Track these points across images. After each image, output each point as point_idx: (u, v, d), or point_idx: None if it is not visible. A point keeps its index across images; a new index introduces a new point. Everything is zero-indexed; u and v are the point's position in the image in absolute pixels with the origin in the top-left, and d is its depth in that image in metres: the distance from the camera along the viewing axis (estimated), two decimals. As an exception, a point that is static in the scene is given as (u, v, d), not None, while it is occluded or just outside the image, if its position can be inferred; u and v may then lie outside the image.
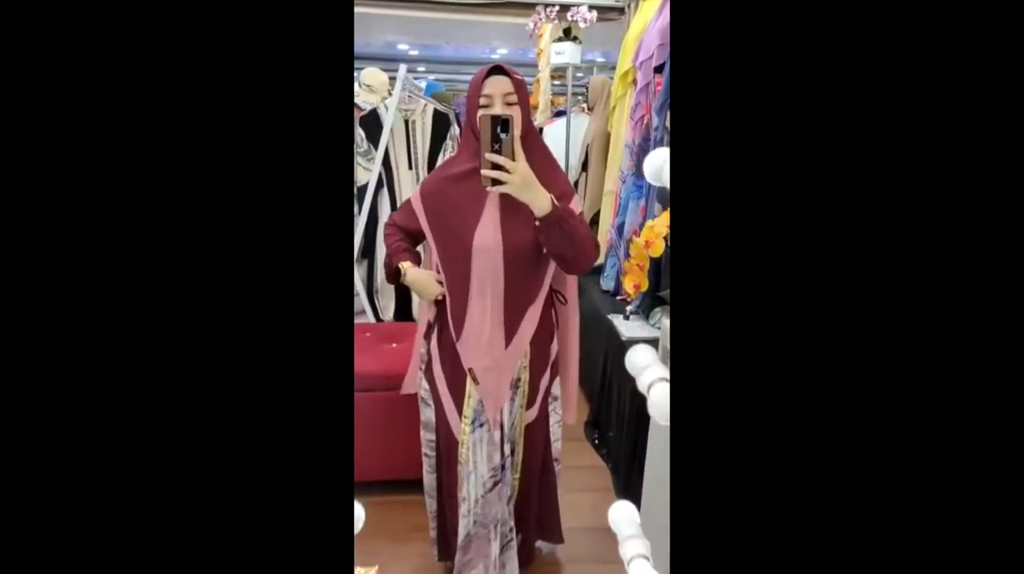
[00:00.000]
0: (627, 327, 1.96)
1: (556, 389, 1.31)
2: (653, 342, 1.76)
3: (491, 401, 1.17)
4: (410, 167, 2.26)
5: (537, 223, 1.00)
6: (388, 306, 2.41)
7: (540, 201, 0.98)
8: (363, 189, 2.25)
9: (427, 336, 1.25)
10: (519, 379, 1.21)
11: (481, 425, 1.19)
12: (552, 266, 1.15)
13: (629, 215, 2.25)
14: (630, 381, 1.75)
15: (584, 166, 2.89)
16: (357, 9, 3.31)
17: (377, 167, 2.17)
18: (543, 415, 1.28)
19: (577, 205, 1.12)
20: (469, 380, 1.18)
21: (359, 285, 2.27)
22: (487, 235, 1.09)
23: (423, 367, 1.26)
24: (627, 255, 1.91)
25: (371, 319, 2.33)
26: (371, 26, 5.32)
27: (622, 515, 0.53)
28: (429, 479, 1.32)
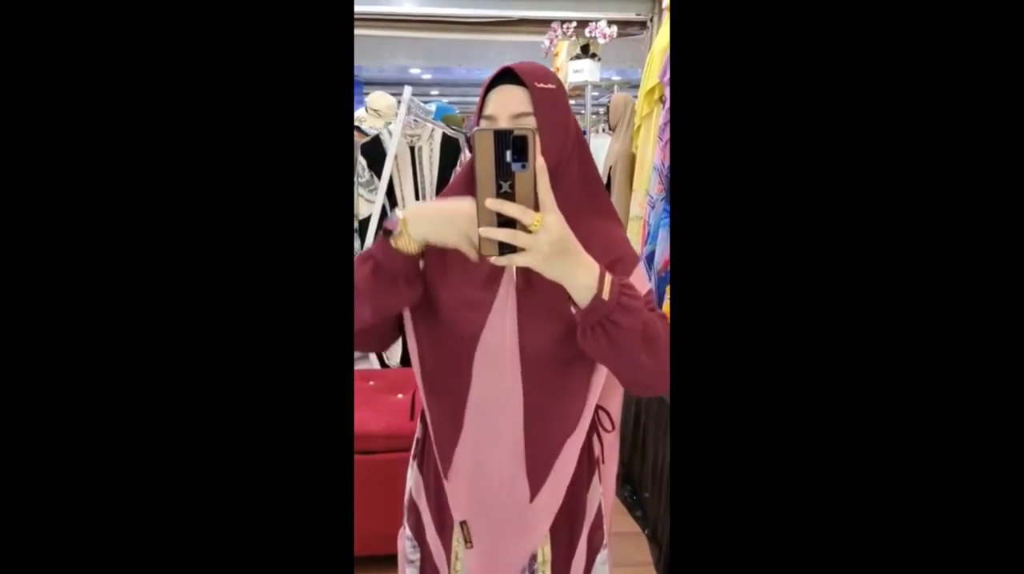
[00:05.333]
0: (663, 374, 1.72)
1: (601, 572, 0.80)
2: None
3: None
4: (417, 198, 2.07)
5: (576, 313, 0.59)
6: (394, 349, 2.20)
7: (581, 278, 0.56)
8: (365, 223, 2.06)
9: (416, 457, 0.81)
10: (535, 557, 0.74)
11: None
12: (602, 374, 0.71)
13: (660, 243, 2.06)
14: (666, 435, 1.39)
15: (607, 189, 2.71)
16: (369, 32, 3.21)
17: (380, 198, 1.98)
18: None
19: (643, 278, 0.69)
20: (456, 534, 0.75)
21: (362, 327, 2.07)
22: (496, 330, 0.67)
23: (408, 507, 0.82)
24: (660, 294, 1.68)
25: (375, 365, 2.13)
26: (383, 50, 5.28)
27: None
28: None
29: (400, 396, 1.76)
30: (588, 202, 0.68)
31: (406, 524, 0.82)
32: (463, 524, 0.73)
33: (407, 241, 0.62)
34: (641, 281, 0.68)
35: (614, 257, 0.65)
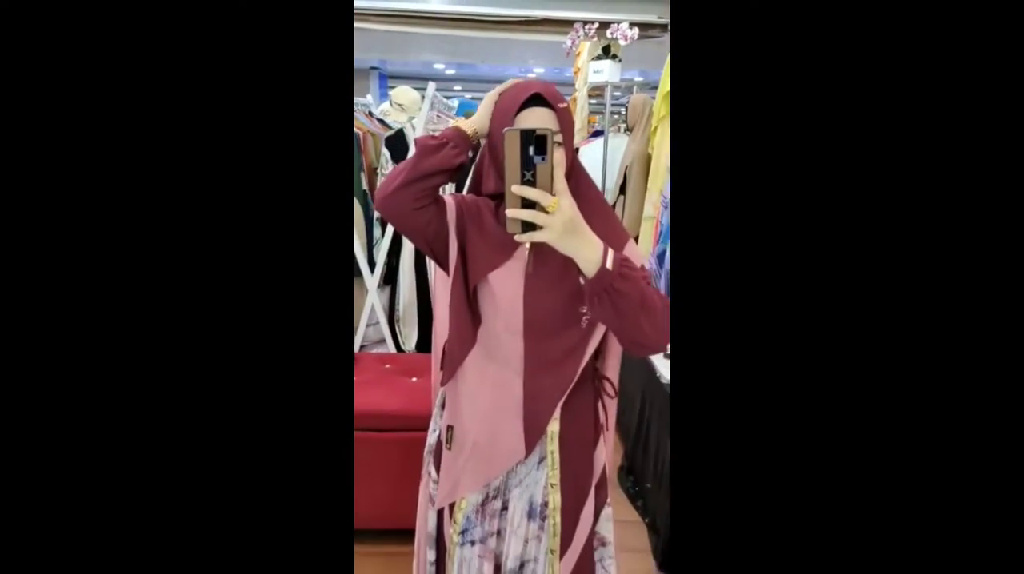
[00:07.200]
0: (668, 368, 1.78)
1: (606, 529, 0.89)
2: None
3: (448, 485, 0.85)
4: (437, 190, 2.14)
5: (585, 284, 0.69)
6: (410, 335, 2.28)
7: (589, 252, 0.67)
8: (387, 212, 2.14)
9: (443, 407, 0.92)
10: (545, 504, 0.83)
11: (472, 543, 0.86)
12: (594, 341, 0.83)
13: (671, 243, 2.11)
14: (668, 430, 1.47)
15: (622, 189, 2.75)
16: (395, 28, 3.28)
17: (402, 189, 2.06)
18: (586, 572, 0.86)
19: (635, 252, 0.81)
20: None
21: (380, 313, 2.16)
22: (505, 297, 0.79)
23: (433, 451, 0.93)
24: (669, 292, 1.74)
25: (391, 349, 2.21)
26: (408, 45, 5.36)
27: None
28: None
29: (415, 379, 1.84)
30: (588, 197, 0.80)
31: (432, 467, 0.92)
32: (450, 427, 0.85)
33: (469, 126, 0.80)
34: (634, 255, 0.79)
35: (610, 237, 0.76)
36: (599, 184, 2.76)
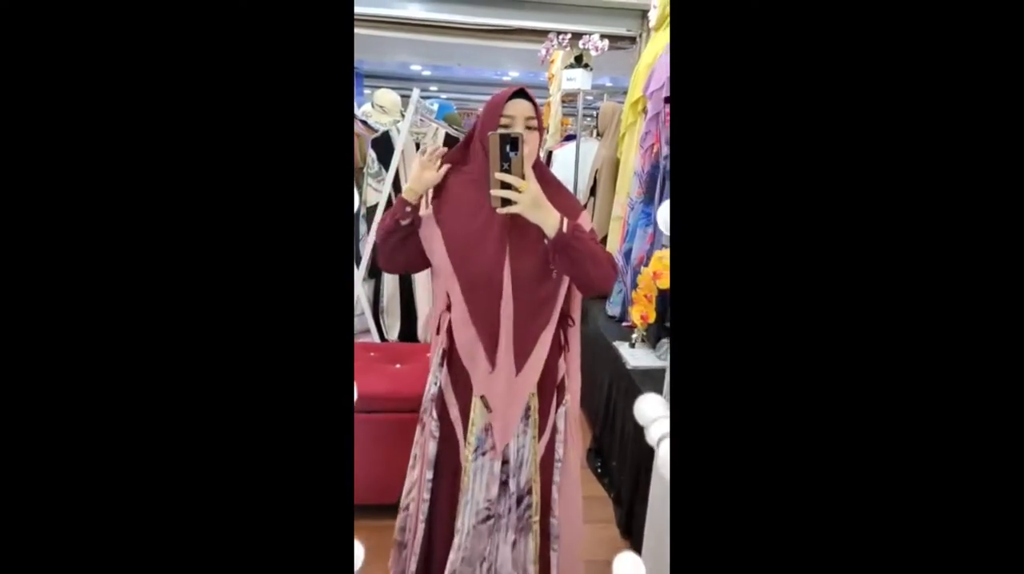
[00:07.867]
0: (633, 356, 1.95)
1: (560, 422, 1.22)
2: (660, 373, 1.75)
3: (500, 427, 1.14)
4: (420, 189, 2.27)
5: (548, 243, 0.97)
6: (393, 326, 2.41)
7: (551, 220, 0.96)
8: (373, 209, 2.26)
9: (442, 363, 1.18)
10: (528, 407, 1.15)
11: (484, 453, 1.16)
12: (563, 289, 1.11)
13: (637, 242, 2.27)
14: (632, 410, 1.65)
15: (593, 191, 2.92)
16: (373, 32, 3.36)
17: (387, 188, 2.19)
18: (549, 450, 1.20)
19: (587, 220, 1.08)
20: (475, 406, 1.15)
21: (365, 304, 2.27)
22: (495, 261, 1.05)
23: (434, 398, 1.19)
24: (634, 285, 1.91)
25: (376, 339, 2.33)
26: (385, 47, 5.44)
27: (627, 569, 0.51)
28: (423, 530, 1.20)
29: (399, 366, 1.97)
30: (547, 179, 1.07)
31: (433, 412, 1.17)
32: (483, 397, 1.12)
33: (411, 194, 1.06)
34: (584, 222, 1.05)
35: (567, 209, 1.02)
36: (571, 186, 2.93)
